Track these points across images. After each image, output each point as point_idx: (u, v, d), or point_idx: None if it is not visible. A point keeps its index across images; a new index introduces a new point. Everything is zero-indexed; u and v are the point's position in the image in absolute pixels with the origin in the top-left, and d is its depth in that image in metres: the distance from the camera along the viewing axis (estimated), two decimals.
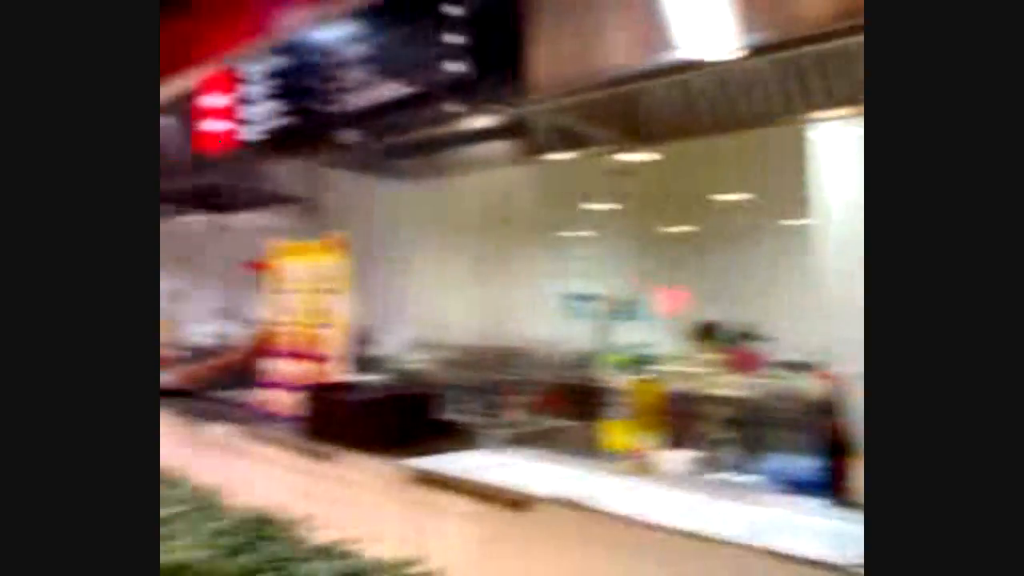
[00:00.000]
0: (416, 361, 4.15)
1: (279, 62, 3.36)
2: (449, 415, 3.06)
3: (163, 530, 1.06)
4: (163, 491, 1.26)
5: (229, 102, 3.64)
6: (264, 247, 3.81)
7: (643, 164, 3.23)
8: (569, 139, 3.33)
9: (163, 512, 1.13)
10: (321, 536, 1.11)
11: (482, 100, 2.55)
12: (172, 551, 0.95)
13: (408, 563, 0.97)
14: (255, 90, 3.48)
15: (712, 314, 2.93)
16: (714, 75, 2.20)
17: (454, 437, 2.73)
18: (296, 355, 3.30)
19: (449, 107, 2.61)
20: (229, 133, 3.63)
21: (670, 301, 3.46)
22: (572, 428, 2.86)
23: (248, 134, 3.51)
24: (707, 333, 2.87)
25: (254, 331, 4.18)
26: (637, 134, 2.91)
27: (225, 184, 4.39)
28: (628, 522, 1.83)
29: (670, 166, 3.17)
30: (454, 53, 2.57)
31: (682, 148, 2.88)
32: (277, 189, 4.40)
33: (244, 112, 3.53)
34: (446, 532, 2.45)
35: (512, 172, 3.66)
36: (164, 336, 3.55)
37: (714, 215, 3.76)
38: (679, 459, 2.24)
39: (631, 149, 3.06)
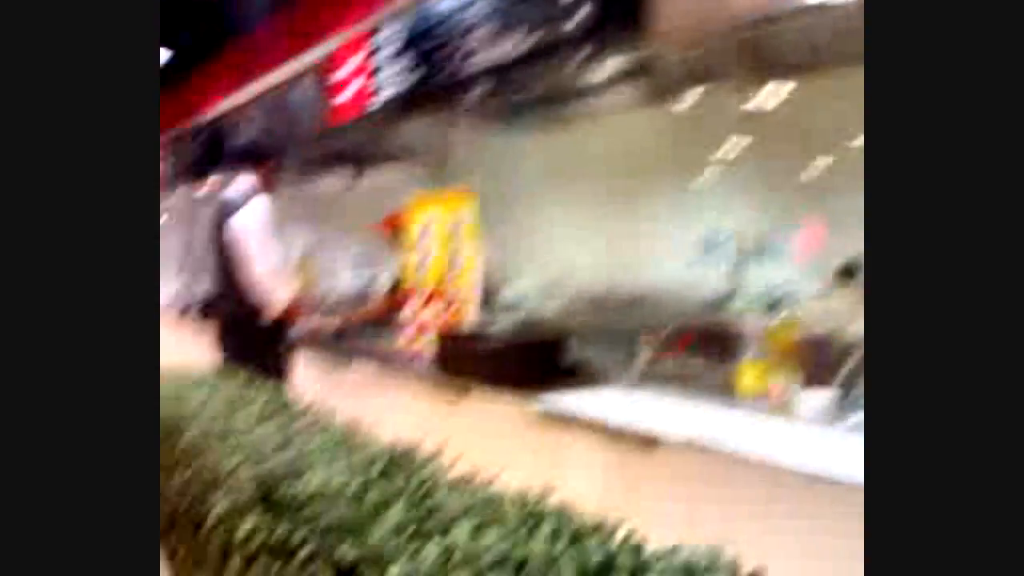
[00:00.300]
0: (545, 307, 4.20)
1: (407, 25, 3.42)
2: (578, 360, 3.10)
3: (304, 461, 1.14)
4: (307, 426, 1.36)
5: (361, 68, 3.77)
6: (399, 201, 3.96)
7: (773, 103, 3.08)
8: (696, 81, 3.22)
9: (307, 446, 1.22)
10: (454, 470, 1.16)
11: (607, 47, 2.50)
12: (310, 481, 1.03)
13: (539, 497, 1.00)
14: (385, 54, 3.57)
15: (850, 254, 2.78)
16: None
17: (585, 379, 2.77)
18: (430, 302, 3.43)
19: (575, 56, 2.58)
20: (362, 97, 3.76)
21: (806, 241, 3.31)
22: (705, 371, 2.82)
23: (380, 97, 3.63)
24: (845, 273, 2.73)
25: (392, 281, 4.37)
26: (766, 72, 2.78)
27: (360, 145, 4.56)
28: (760, 464, 1.80)
29: (801, 104, 3.01)
30: (578, 1, 2.53)
31: (813, 85, 2.74)
32: (409, 146, 4.53)
33: (375, 76, 3.64)
34: (574, 471, 2.50)
35: (639, 118, 3.59)
36: (309, 288, 3.77)
37: (848, 153, 3.53)
38: (814, 401, 2.17)
39: (760, 87, 2.93)
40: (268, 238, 3.45)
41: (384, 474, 1.10)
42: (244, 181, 3.65)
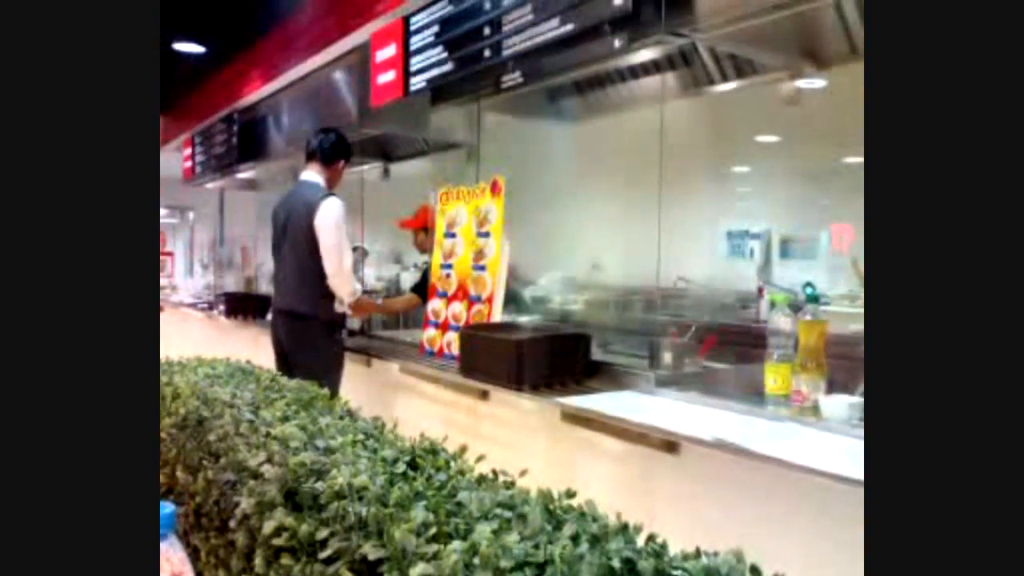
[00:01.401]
0: (571, 301, 4.20)
1: (443, 10, 3.42)
2: (604, 356, 3.09)
3: (330, 457, 1.15)
4: (335, 420, 1.38)
5: (394, 51, 3.77)
6: (428, 194, 3.97)
7: (811, 91, 3.03)
8: (734, 68, 3.18)
9: (334, 441, 1.23)
10: (479, 468, 1.17)
11: (644, 32, 2.47)
12: (336, 476, 1.04)
13: (564, 495, 1.01)
14: (421, 39, 3.58)
15: None
16: None
17: (608, 378, 2.77)
18: (456, 296, 3.44)
19: (611, 42, 2.56)
20: (395, 85, 3.77)
21: (838, 238, 3.27)
22: (731, 370, 2.80)
23: (415, 83, 3.63)
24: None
25: (418, 275, 4.40)
26: (807, 59, 2.74)
27: (393, 133, 4.57)
28: (784, 466, 1.79)
29: (840, 93, 2.96)
30: None
31: (854, 74, 2.68)
32: (441, 136, 4.53)
33: (411, 61, 3.64)
34: (597, 470, 2.51)
35: (674, 106, 3.56)
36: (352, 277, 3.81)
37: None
38: (841, 403, 2.15)
39: (799, 76, 2.88)
40: (342, 234, 3.55)
41: (407, 472, 1.11)
42: (310, 175, 3.71)
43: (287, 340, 3.67)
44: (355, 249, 4.17)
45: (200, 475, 1.31)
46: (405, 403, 3.55)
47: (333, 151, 3.77)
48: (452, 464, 1.16)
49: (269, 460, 1.16)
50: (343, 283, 3.57)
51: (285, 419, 1.30)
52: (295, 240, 3.61)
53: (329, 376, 3.43)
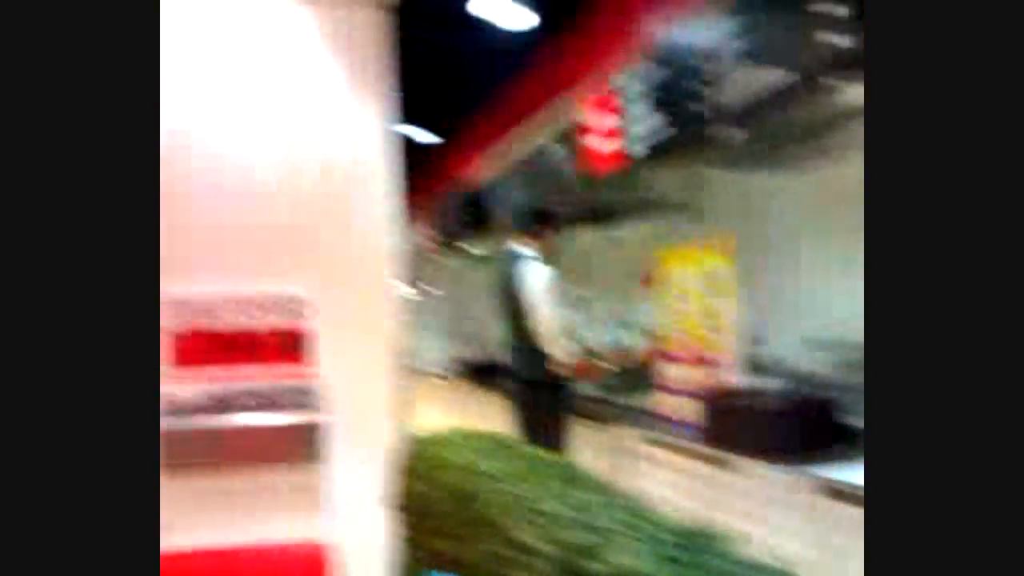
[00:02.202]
0: (811, 362, 3.94)
1: (655, 72, 3.45)
2: (854, 421, 2.86)
3: (599, 536, 1.15)
4: (595, 496, 1.38)
5: (610, 119, 3.86)
6: (651, 255, 3.96)
7: None
8: None
9: (602, 518, 1.23)
10: (747, 550, 1.12)
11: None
12: (608, 556, 1.03)
13: None
14: (634, 104, 3.63)
15: None
16: None
17: (861, 445, 2.54)
18: (688, 360, 3.37)
19: (834, 85, 2.44)
20: (612, 149, 3.84)
21: None
22: None
23: (631, 147, 3.68)
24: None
25: (647, 337, 4.37)
26: None
27: (610, 198, 4.65)
28: None
29: None
30: (836, 26, 2.40)
31: None
32: (661, 197, 4.53)
33: (625, 127, 3.70)
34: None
35: None
36: (567, 340, 3.89)
37: None
38: None
39: None
40: (553, 299, 3.73)
41: (677, 555, 1.08)
42: (524, 244, 3.93)
43: (519, 404, 3.81)
44: (570, 313, 4.27)
45: (472, 547, 1.37)
46: (640, 471, 3.50)
47: (541, 221, 3.95)
48: (722, 544, 1.12)
49: (541, 537, 1.18)
50: (556, 345, 3.68)
51: (550, 494, 1.33)
52: (513, 307, 3.79)
53: (556, 439, 3.51)
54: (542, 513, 1.27)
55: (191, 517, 1.75)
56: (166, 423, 1.74)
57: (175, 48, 1.72)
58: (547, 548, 1.15)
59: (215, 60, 1.74)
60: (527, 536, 1.22)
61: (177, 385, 1.83)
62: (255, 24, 1.74)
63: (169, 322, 1.79)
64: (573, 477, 1.49)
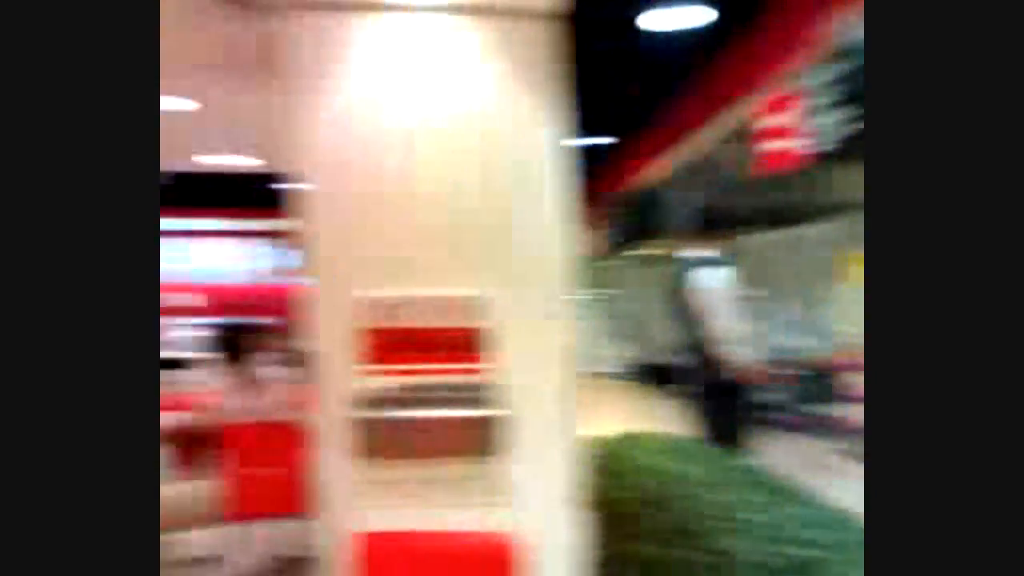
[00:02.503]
0: None
1: (838, 69, 3.27)
2: None
3: (807, 551, 1.08)
4: (797, 508, 1.30)
5: (790, 118, 3.69)
6: (837, 257, 3.75)
7: None
8: None
9: (809, 532, 1.16)
10: None
11: None
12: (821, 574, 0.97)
13: None
14: (817, 101, 3.45)
15: None
16: None
17: None
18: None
19: None
20: (792, 149, 3.67)
21: None
22: None
23: (813, 146, 3.50)
24: None
25: (832, 343, 4.13)
26: None
27: (792, 199, 4.44)
28: None
29: None
30: None
31: None
32: (845, 197, 4.28)
33: (807, 125, 3.52)
34: None
35: None
36: (745, 345, 3.74)
37: None
38: None
39: None
40: (730, 302, 3.60)
41: None
42: (699, 247, 3.85)
43: (698, 408, 3.70)
44: (749, 317, 4.10)
45: (667, 552, 1.33)
46: (830, 484, 3.31)
47: (717, 223, 3.81)
48: None
49: (749, 548, 1.13)
50: (733, 350, 3.52)
51: (755, 504, 1.27)
52: (688, 311, 3.67)
53: (737, 445, 3.37)
54: (750, 523, 1.21)
55: (383, 501, 1.83)
56: (358, 414, 1.84)
57: (362, 63, 1.82)
58: (757, 559, 1.10)
59: (398, 76, 1.83)
60: (733, 545, 1.17)
61: (370, 379, 1.94)
62: (434, 40, 1.84)
63: (363, 321, 1.91)
64: (777, 488, 1.41)
